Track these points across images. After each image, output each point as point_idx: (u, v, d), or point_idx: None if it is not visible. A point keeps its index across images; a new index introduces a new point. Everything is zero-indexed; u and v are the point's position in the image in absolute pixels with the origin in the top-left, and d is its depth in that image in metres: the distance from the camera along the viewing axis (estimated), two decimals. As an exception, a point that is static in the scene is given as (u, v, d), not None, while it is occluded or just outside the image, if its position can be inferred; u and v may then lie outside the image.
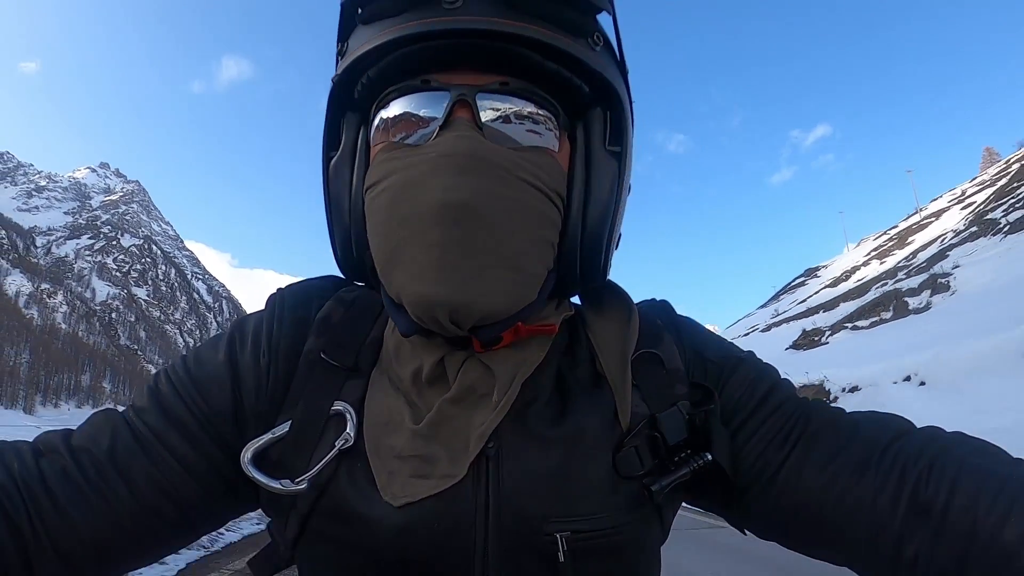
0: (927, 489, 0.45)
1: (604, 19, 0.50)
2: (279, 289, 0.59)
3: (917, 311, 19.72)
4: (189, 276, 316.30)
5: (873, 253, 52.37)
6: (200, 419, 0.51)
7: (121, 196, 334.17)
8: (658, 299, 0.63)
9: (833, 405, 0.56)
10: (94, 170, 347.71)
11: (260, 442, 0.50)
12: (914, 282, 23.88)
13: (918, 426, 0.52)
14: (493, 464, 0.48)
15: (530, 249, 0.48)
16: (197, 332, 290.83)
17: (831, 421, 0.52)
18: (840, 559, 0.50)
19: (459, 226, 0.44)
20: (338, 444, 0.49)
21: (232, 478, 0.51)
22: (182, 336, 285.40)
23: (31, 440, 0.50)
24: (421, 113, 0.48)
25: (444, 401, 0.49)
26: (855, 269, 49.50)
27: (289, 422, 0.51)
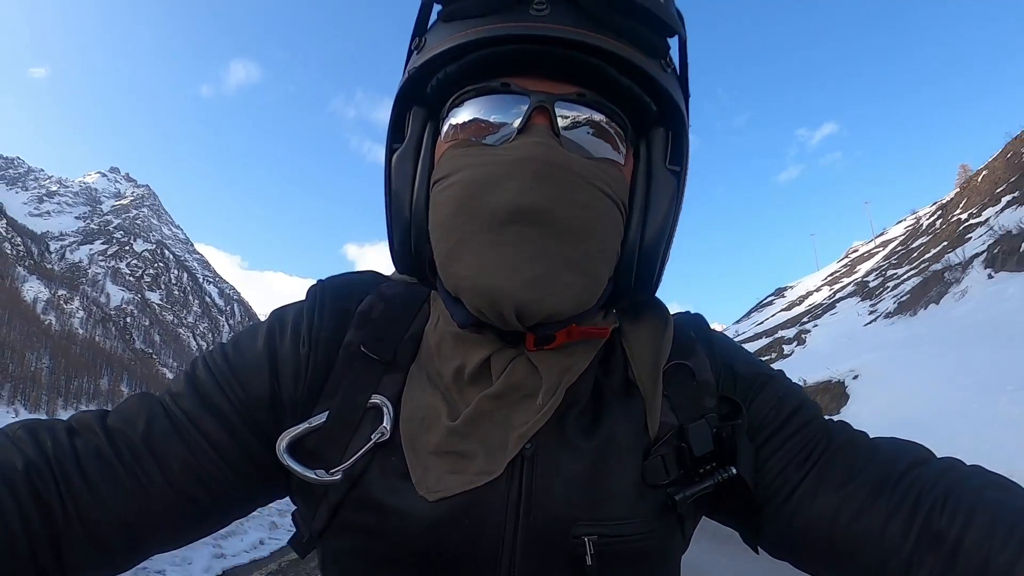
0: (941, 519, 0.45)
1: (673, 43, 0.52)
2: (319, 281, 0.59)
3: (785, 357, 20.89)
4: (200, 280, 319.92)
5: (828, 278, 52.79)
6: (237, 406, 0.52)
7: (131, 200, 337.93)
8: (691, 312, 0.64)
9: (857, 429, 0.55)
10: (104, 175, 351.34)
11: (296, 431, 0.51)
12: (791, 332, 25.20)
13: (938, 456, 0.51)
14: (529, 465, 0.49)
15: (598, 254, 0.49)
16: (209, 335, 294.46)
17: (851, 443, 0.53)
18: None
19: (533, 227, 0.45)
20: (374, 437, 0.49)
21: (265, 466, 0.52)
22: (195, 339, 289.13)
23: (66, 419, 0.50)
24: (498, 116, 0.48)
25: (484, 396, 0.50)
26: (809, 294, 49.97)
27: (326, 413, 0.51)
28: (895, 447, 0.52)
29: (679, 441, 0.52)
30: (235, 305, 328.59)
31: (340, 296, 0.57)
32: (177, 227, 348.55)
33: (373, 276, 0.61)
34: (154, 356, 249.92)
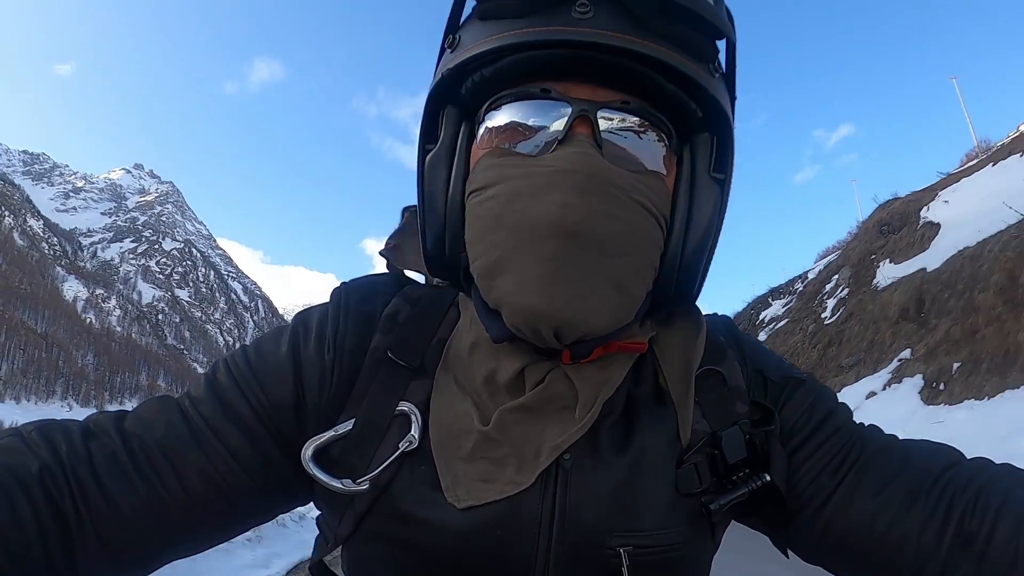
0: (972, 521, 0.46)
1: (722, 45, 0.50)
2: (343, 283, 0.58)
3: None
4: (225, 277, 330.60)
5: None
6: (259, 413, 0.50)
7: (156, 197, 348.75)
8: (719, 314, 0.63)
9: (888, 432, 0.55)
10: (128, 171, 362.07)
11: (322, 439, 0.49)
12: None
13: (968, 456, 0.52)
14: (563, 476, 0.48)
15: (637, 272, 0.48)
16: (236, 331, 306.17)
17: (884, 449, 0.53)
18: None
19: (575, 244, 0.44)
20: (402, 446, 0.48)
21: (285, 473, 0.50)
22: (222, 335, 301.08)
23: (82, 420, 0.50)
24: (537, 123, 0.47)
25: (512, 408, 0.49)
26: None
27: (352, 420, 0.50)
28: (927, 451, 0.52)
29: (712, 448, 0.51)
30: (259, 302, 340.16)
31: (365, 299, 0.56)
32: (200, 223, 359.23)
33: (396, 278, 0.60)
34: (185, 352, 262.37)
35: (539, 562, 0.46)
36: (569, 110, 0.46)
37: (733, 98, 0.53)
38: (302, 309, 0.57)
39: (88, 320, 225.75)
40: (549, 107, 0.46)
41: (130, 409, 0.51)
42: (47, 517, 0.43)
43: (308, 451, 0.49)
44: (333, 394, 0.52)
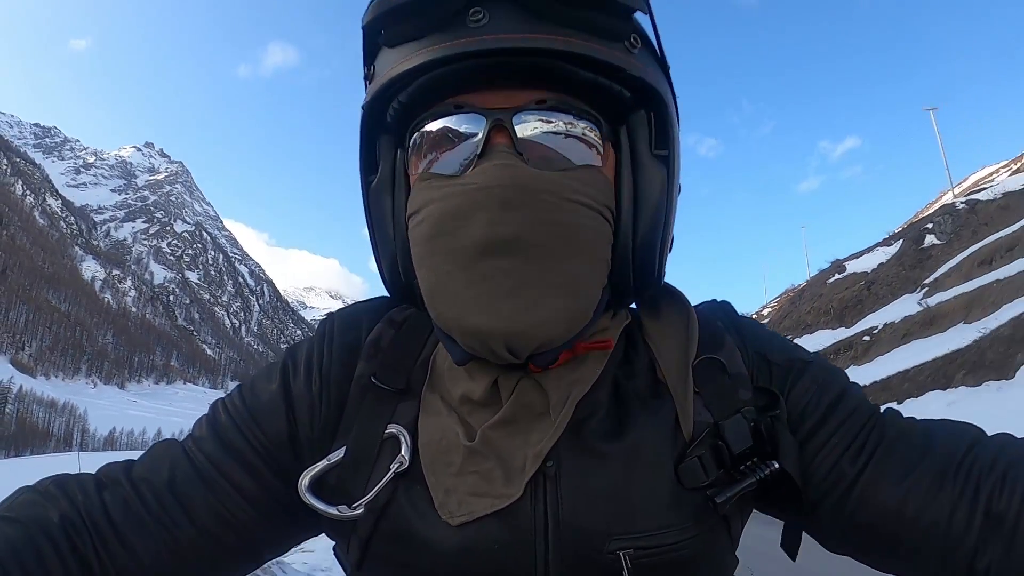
0: (1000, 501, 0.44)
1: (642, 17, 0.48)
2: (330, 314, 0.59)
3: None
4: (232, 259, 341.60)
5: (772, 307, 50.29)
6: (258, 448, 0.52)
7: (165, 176, 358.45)
8: (718, 300, 0.61)
9: (905, 413, 0.54)
10: (139, 149, 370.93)
11: (316, 469, 0.50)
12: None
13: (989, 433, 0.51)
14: (551, 483, 0.47)
15: (586, 272, 0.47)
16: (242, 314, 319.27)
17: (906, 431, 0.51)
18: (914, 573, 0.49)
19: (508, 258, 0.43)
20: (393, 467, 0.48)
21: (291, 505, 0.51)
22: (229, 318, 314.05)
23: (93, 472, 0.52)
24: (456, 139, 0.46)
25: (493, 425, 0.48)
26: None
27: (344, 448, 0.51)
28: (949, 431, 0.50)
29: (716, 439, 0.49)
30: (264, 285, 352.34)
31: (348, 328, 0.56)
32: (208, 203, 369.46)
33: (384, 302, 0.59)
34: (195, 333, 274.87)
35: (538, 573, 0.46)
36: (484, 122, 0.45)
37: (666, 69, 0.51)
38: (291, 344, 0.59)
39: (106, 300, 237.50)
40: (464, 121, 0.46)
41: (133, 458, 0.53)
42: (72, 564, 0.45)
43: (304, 481, 0.50)
44: (323, 424, 0.53)
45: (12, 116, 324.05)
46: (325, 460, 0.50)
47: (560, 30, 0.44)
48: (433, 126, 0.47)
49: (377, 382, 0.52)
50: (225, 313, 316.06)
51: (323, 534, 0.55)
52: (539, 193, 0.44)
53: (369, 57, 0.50)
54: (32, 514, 0.46)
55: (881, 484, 0.48)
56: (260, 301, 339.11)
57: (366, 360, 0.54)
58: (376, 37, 0.48)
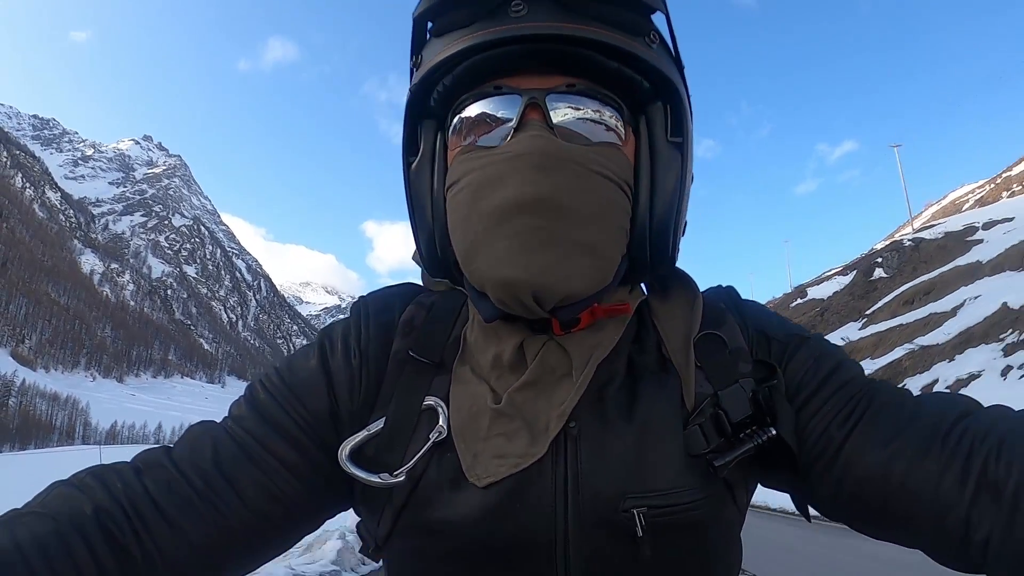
0: (997, 469, 0.44)
1: (659, 19, 0.53)
2: (361, 297, 0.63)
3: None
4: (229, 254, 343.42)
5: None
6: (300, 423, 0.54)
7: (164, 170, 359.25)
8: (723, 285, 0.65)
9: (900, 386, 0.55)
10: (138, 142, 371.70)
11: (356, 439, 0.52)
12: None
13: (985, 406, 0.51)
14: (572, 443, 0.50)
15: (606, 235, 0.50)
16: (239, 309, 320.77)
17: (895, 399, 0.53)
18: (909, 541, 0.50)
19: (539, 216, 0.47)
20: (432, 437, 0.51)
21: (332, 477, 0.53)
22: (226, 313, 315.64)
23: (130, 459, 0.52)
24: (495, 116, 0.51)
25: (518, 388, 0.51)
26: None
27: (383, 419, 0.53)
28: (941, 400, 0.52)
29: (716, 408, 0.53)
30: (261, 280, 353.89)
31: (383, 308, 0.60)
32: (206, 197, 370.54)
33: (410, 288, 0.64)
34: (192, 327, 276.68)
35: (559, 530, 0.48)
36: (520, 100, 0.50)
37: (680, 66, 0.57)
38: (326, 325, 0.62)
39: (104, 293, 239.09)
40: (503, 101, 0.50)
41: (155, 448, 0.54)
42: (108, 557, 0.45)
43: (345, 451, 0.52)
44: (363, 397, 0.55)
45: (11, 107, 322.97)
46: (364, 431, 0.53)
47: (590, 22, 0.49)
48: (473, 104, 0.52)
49: (414, 355, 0.55)
50: (222, 308, 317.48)
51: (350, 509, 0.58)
52: (567, 162, 0.48)
53: (416, 47, 0.55)
54: (64, 508, 0.46)
55: (866, 448, 0.50)
56: (257, 296, 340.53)
57: (402, 337, 0.57)
58: (425, 27, 0.53)
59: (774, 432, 0.51)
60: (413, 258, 0.63)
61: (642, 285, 0.61)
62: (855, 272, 29.58)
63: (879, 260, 28.82)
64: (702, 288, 0.62)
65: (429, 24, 0.53)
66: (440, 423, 0.51)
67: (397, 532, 0.52)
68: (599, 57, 0.50)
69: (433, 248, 0.56)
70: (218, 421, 0.56)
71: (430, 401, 0.53)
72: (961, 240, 25.48)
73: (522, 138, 0.48)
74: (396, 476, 0.50)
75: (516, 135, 0.49)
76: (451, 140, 0.54)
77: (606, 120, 0.51)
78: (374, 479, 0.50)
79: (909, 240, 28.99)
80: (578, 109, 0.50)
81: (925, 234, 29.12)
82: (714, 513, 0.51)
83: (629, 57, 0.51)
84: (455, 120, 0.53)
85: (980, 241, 24.50)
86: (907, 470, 0.48)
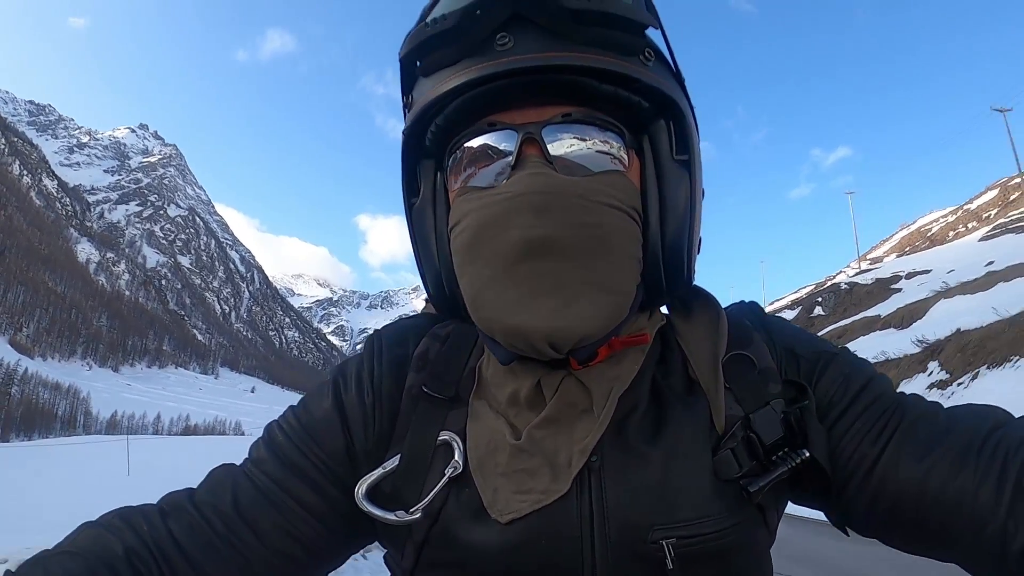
0: None
1: (656, 34, 0.52)
2: (376, 331, 0.62)
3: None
4: (223, 245, 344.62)
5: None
6: (317, 463, 0.54)
7: (159, 159, 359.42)
8: (746, 301, 0.64)
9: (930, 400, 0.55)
10: (133, 130, 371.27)
11: (372, 477, 0.52)
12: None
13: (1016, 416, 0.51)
14: (595, 478, 0.49)
15: (618, 269, 0.49)
16: (232, 300, 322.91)
17: (928, 413, 0.52)
18: (946, 555, 0.49)
19: (546, 260, 0.46)
20: (448, 472, 0.50)
21: (351, 515, 0.53)
22: (219, 304, 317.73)
23: (156, 502, 0.53)
24: (492, 154, 0.50)
25: (538, 424, 0.50)
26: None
27: (399, 455, 0.53)
28: (973, 412, 0.51)
29: (747, 431, 0.51)
30: (255, 272, 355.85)
31: (396, 343, 0.59)
32: (200, 187, 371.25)
33: (426, 319, 0.63)
34: (186, 318, 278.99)
35: (586, 566, 0.47)
36: (516, 136, 0.48)
37: (681, 81, 0.55)
38: (340, 362, 0.61)
39: (100, 283, 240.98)
40: (498, 138, 0.49)
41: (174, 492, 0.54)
42: None
43: (361, 489, 0.52)
44: (378, 434, 0.55)
45: (7, 92, 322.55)
46: (380, 468, 0.53)
47: (579, 48, 0.47)
48: (470, 144, 0.51)
49: (428, 391, 0.55)
50: (216, 299, 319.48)
51: (376, 543, 0.57)
52: (569, 197, 0.47)
53: (407, 88, 0.54)
54: (95, 548, 0.48)
55: (901, 463, 0.49)
56: (250, 288, 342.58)
57: (415, 372, 0.56)
58: (413, 68, 0.52)
59: (807, 454, 0.50)
60: (426, 301, 0.63)
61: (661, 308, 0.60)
62: (800, 308, 34.32)
63: (819, 300, 33.38)
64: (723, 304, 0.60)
65: (417, 64, 0.51)
66: (456, 458, 0.51)
67: (421, 567, 0.51)
68: (593, 83, 0.48)
69: (441, 289, 0.56)
70: (238, 464, 0.56)
71: (445, 436, 0.53)
72: (886, 287, 29.94)
73: (521, 176, 0.47)
74: (412, 513, 0.50)
75: (514, 173, 0.48)
76: (450, 180, 0.53)
77: (607, 147, 0.50)
78: (390, 517, 0.50)
79: (845, 284, 33.55)
80: (577, 139, 0.49)
81: (859, 278, 33.54)
82: (745, 539, 0.50)
83: (624, 79, 0.49)
84: (451, 160, 0.53)
85: (899, 290, 28.75)
86: (943, 484, 0.47)
